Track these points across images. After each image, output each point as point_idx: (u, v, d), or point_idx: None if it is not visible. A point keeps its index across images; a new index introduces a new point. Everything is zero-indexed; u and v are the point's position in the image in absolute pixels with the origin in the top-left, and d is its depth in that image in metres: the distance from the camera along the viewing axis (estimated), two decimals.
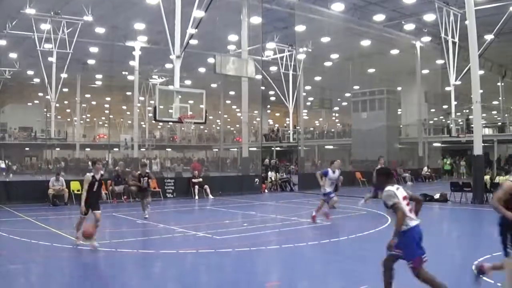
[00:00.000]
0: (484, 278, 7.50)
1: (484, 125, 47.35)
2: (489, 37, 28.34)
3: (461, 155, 46.29)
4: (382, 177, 7.18)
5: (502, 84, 50.74)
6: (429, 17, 33.15)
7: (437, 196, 23.44)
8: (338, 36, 37.75)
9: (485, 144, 35.50)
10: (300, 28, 35.16)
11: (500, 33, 30.13)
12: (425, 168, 40.04)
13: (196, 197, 25.17)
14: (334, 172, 15.85)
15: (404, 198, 6.83)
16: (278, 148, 51.89)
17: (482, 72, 39.21)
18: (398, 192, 6.84)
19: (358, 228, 14.77)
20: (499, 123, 49.91)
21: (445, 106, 41.07)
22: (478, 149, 22.29)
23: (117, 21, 35.47)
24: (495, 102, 56.82)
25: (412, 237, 6.68)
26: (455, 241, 13.60)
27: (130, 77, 47.41)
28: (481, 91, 24.69)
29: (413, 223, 6.73)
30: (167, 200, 24.45)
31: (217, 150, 66.36)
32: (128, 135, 47.91)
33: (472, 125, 24.51)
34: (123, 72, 49.37)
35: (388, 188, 6.86)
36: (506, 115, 54.78)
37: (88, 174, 11.95)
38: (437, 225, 16.58)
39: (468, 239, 13.44)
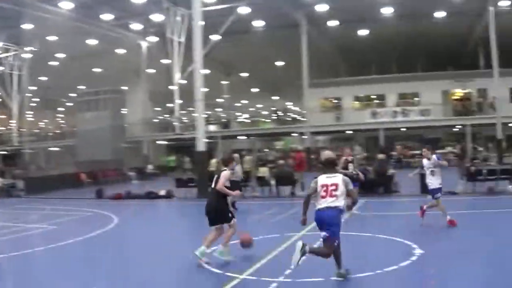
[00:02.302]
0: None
1: (209, 122, 50.97)
2: (215, 37, 30.52)
3: (186, 151, 48.87)
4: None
5: (227, 82, 55.07)
6: (157, 17, 34.18)
7: (162, 193, 24.48)
8: (66, 35, 37.07)
9: (210, 141, 38.34)
10: (26, 26, 33.98)
11: (226, 34, 32.78)
12: (150, 166, 41.41)
13: None
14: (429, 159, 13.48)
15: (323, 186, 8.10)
16: (3, 152, 49.02)
17: (208, 71, 42.20)
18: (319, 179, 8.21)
19: (83, 230, 14.82)
20: (224, 120, 54.11)
21: (170, 105, 43.12)
22: (201, 146, 23.93)
23: None
24: (220, 100, 61.27)
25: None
26: (180, 235, 14.53)
27: None
28: (207, 89, 26.46)
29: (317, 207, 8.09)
30: None
31: None
32: None
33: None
34: None
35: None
36: (230, 112, 59.52)
37: None
38: (162, 221, 17.69)
39: (194, 232, 14.30)
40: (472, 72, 47.12)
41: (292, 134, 47.94)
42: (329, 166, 8.54)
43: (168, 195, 24.27)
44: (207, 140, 25.03)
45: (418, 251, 9.56)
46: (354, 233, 12.08)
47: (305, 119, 45.31)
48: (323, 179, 8.24)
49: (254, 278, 8.20)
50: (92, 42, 40.52)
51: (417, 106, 46.09)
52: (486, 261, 8.99)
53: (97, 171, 36.21)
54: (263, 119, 58.40)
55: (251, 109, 76.87)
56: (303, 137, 44.48)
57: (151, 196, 24.12)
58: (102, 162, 39.22)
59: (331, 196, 8.10)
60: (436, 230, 12.31)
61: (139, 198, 24.37)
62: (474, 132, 44.12)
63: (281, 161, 24.40)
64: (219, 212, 9.77)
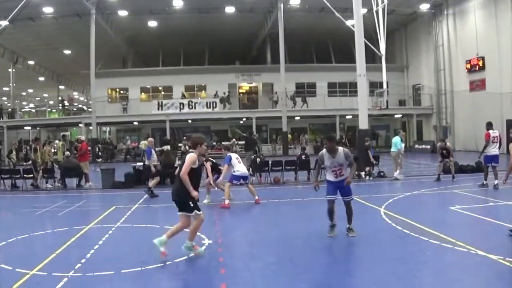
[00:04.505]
0: None
1: None
2: (4, 23, 28.44)
3: None
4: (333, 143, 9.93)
5: (14, 70, 51.38)
6: None
7: None
8: None
9: None
10: None
11: (15, 20, 30.60)
12: None
13: None
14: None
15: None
16: None
17: None
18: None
19: None
20: (10, 110, 50.60)
21: None
22: None
23: None
24: (6, 88, 57.16)
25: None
26: None
27: None
28: None
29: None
30: None
31: None
32: None
33: None
34: None
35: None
36: (16, 101, 55.75)
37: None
38: None
39: None
40: (259, 66, 49.70)
41: (79, 125, 46.30)
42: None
43: None
44: None
45: (206, 241, 9.76)
46: (143, 224, 12.11)
47: (91, 110, 43.92)
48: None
49: (44, 273, 7.79)
50: None
51: (203, 98, 47.20)
52: (273, 250, 9.30)
53: None
54: (50, 109, 55.61)
55: (37, 98, 72.96)
56: (90, 128, 43.21)
57: None
58: None
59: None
60: (223, 221, 12.73)
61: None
62: (260, 124, 46.48)
63: (67, 152, 23.38)
64: (180, 199, 8.56)
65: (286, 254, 8.96)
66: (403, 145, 21.50)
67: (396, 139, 21.19)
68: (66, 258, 8.86)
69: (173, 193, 8.68)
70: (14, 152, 23.97)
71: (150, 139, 19.52)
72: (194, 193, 8.37)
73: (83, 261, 8.52)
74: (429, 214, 12.69)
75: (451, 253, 8.57)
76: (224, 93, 46.01)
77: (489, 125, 16.99)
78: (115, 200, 16.90)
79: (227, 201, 14.47)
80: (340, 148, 9.89)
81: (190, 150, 8.81)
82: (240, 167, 15.00)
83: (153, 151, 18.19)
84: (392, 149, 21.10)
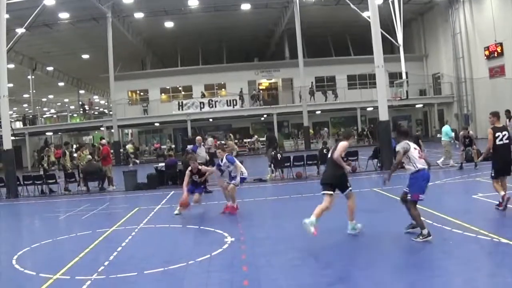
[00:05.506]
0: None
1: (15, 119, 47.88)
2: (20, 30, 28.64)
3: None
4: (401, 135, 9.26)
5: (33, 77, 51.88)
6: None
7: None
8: None
9: (18, 138, 35.97)
10: None
11: (31, 27, 30.86)
12: None
13: None
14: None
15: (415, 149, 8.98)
16: None
17: (12, 65, 39.49)
18: (411, 144, 8.98)
19: None
20: (31, 116, 51.10)
21: None
22: (7, 144, 22.02)
23: None
24: (26, 95, 57.71)
25: (418, 177, 8.83)
26: None
27: None
28: (11, 85, 24.64)
29: (420, 167, 8.83)
30: None
31: None
32: None
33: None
34: None
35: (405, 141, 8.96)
36: (37, 107, 56.26)
37: None
38: None
39: (7, 234, 13.35)
40: (277, 62, 49.59)
41: (101, 129, 46.70)
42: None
43: None
44: (14, 138, 23.24)
45: (229, 239, 9.75)
46: (166, 225, 12.16)
47: (112, 113, 44.18)
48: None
49: (68, 277, 7.87)
50: None
51: (223, 97, 47.38)
52: (295, 245, 9.14)
53: None
54: (71, 114, 56.12)
55: (58, 103, 73.64)
56: (112, 131, 43.50)
57: None
58: None
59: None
60: (245, 218, 12.68)
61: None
62: (281, 120, 46.57)
63: (89, 156, 23.44)
64: (337, 179, 9.57)
65: (309, 250, 8.91)
66: (453, 134, 21.98)
67: (446, 128, 21.58)
68: (90, 261, 8.92)
69: (328, 178, 9.68)
70: (45, 159, 24.16)
71: (198, 137, 20.72)
72: (347, 167, 9.71)
73: (106, 263, 8.58)
74: (452, 204, 12.56)
75: (474, 242, 8.47)
76: (255, 89, 46.28)
77: (508, 112, 17.02)
78: (138, 202, 17.02)
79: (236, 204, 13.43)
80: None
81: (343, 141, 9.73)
82: (244, 170, 13.58)
83: (199, 149, 19.34)
84: (444, 138, 21.43)
